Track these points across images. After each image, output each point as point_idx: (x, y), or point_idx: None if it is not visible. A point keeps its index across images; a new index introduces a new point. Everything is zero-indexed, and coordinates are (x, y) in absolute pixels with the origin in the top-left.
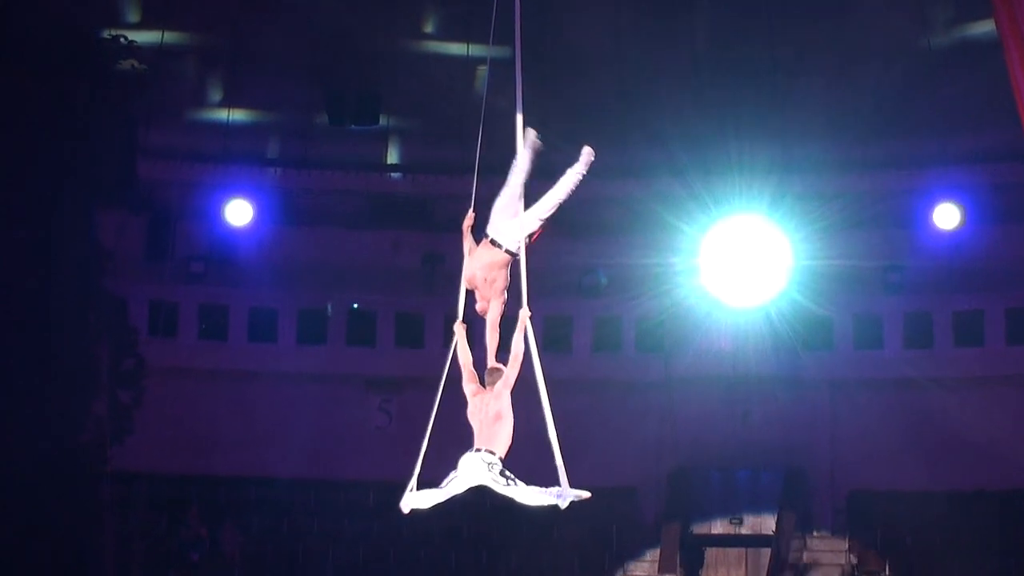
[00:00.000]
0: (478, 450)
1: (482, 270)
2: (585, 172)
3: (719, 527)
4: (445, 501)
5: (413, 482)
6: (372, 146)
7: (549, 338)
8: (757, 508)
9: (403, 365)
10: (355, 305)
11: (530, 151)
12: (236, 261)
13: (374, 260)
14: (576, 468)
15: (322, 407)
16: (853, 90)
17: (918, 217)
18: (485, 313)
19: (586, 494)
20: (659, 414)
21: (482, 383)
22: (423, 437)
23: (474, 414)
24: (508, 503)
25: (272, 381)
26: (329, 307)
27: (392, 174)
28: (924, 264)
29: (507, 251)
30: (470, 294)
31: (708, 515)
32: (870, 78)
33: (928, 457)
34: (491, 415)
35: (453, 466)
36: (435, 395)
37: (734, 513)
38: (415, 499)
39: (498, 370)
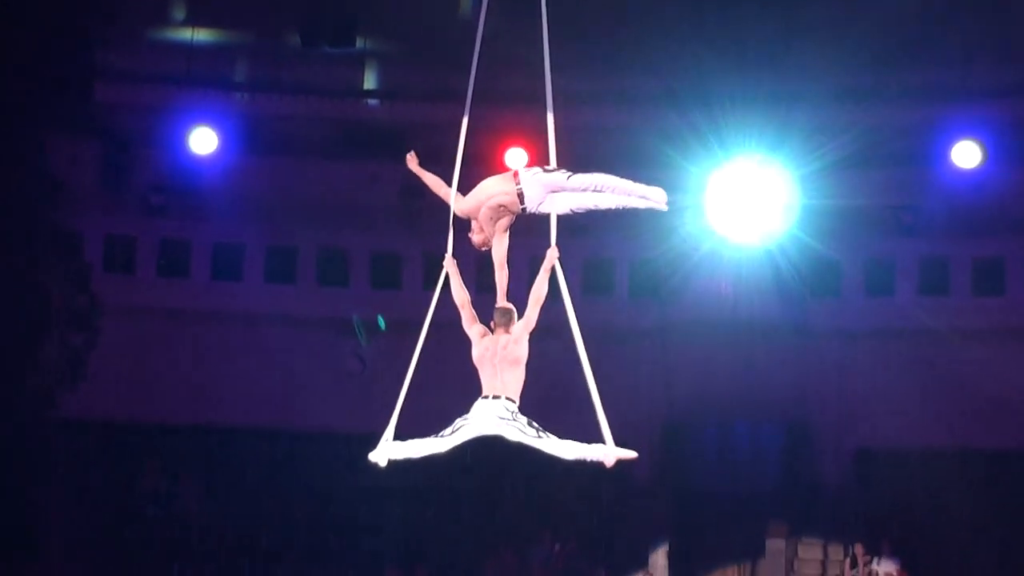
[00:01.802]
0: (496, 397)
1: (491, 209)
2: (643, 206)
3: (715, 485)
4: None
5: (390, 431)
6: (348, 70)
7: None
8: (757, 464)
9: (379, 307)
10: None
11: (638, 199)
12: (199, 192)
13: (349, 193)
14: (563, 420)
15: (291, 351)
16: (867, 17)
17: (935, 154)
18: (483, 247)
19: (632, 454)
20: (653, 363)
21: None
22: (401, 384)
23: (484, 358)
24: (490, 459)
25: (237, 322)
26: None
27: (369, 100)
28: (941, 205)
29: (524, 208)
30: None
31: (704, 471)
32: (885, 3)
33: (942, 412)
34: (509, 359)
35: (434, 414)
36: (415, 339)
37: (732, 468)
38: (400, 449)
39: (509, 310)
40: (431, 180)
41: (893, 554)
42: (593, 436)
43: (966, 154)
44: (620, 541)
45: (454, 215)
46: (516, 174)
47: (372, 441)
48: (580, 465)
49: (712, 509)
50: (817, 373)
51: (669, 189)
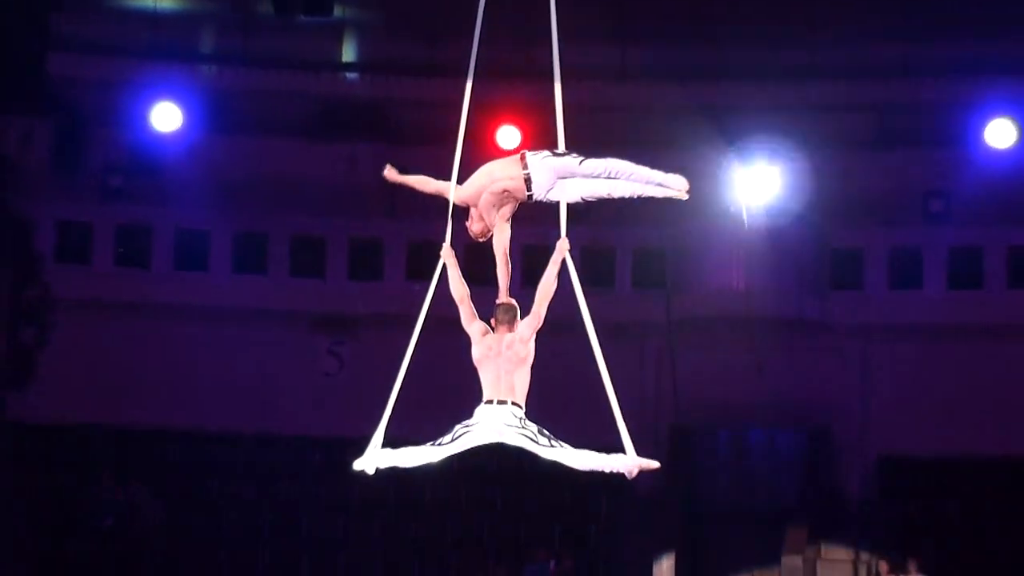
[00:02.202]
0: (502, 402)
1: (494, 195)
2: (659, 195)
3: (727, 496)
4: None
5: (378, 437)
6: (324, 41)
7: (528, 270)
8: (772, 474)
9: (358, 300)
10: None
11: (655, 187)
12: (161, 174)
13: (325, 175)
14: (558, 424)
15: (261, 349)
16: None
17: (967, 133)
18: (482, 236)
19: (655, 464)
20: (658, 361)
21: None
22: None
23: (487, 358)
24: (478, 466)
25: (202, 317)
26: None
27: (348, 74)
28: (974, 189)
29: (530, 195)
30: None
31: (715, 481)
32: None
33: (976, 417)
34: (514, 360)
35: (421, 419)
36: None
37: (745, 478)
38: (391, 457)
39: (512, 307)
40: (416, 181)
41: (922, 572)
42: (592, 442)
43: (1001, 133)
44: (621, 557)
45: (451, 203)
46: (523, 157)
47: (349, 447)
48: (578, 474)
49: (723, 523)
50: (838, 374)
51: (677, 170)
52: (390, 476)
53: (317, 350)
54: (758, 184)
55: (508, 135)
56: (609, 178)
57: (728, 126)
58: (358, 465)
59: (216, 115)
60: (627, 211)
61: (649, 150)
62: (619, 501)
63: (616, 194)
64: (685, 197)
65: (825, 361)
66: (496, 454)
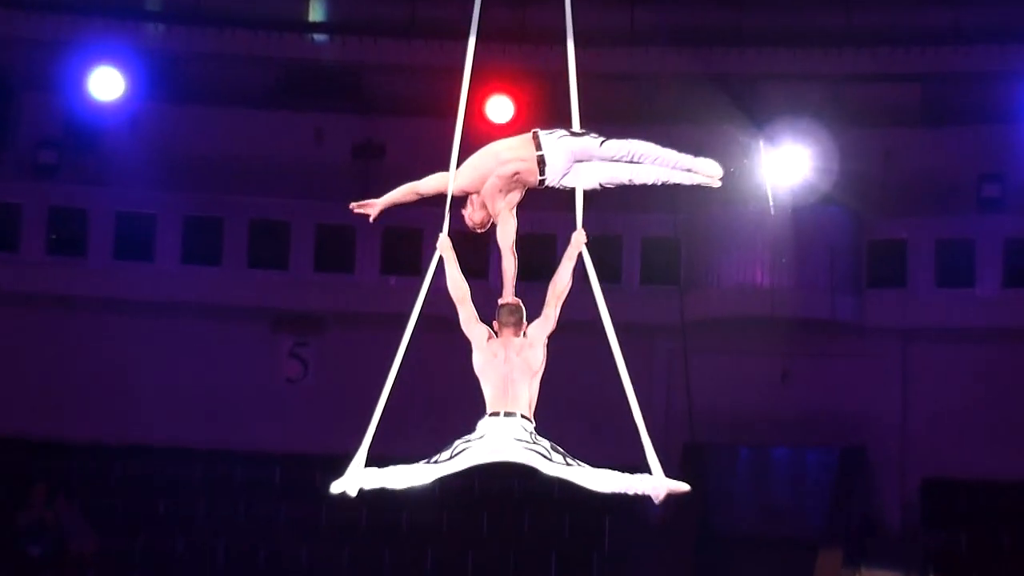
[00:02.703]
0: (510, 414)
1: (502, 179)
2: (689, 181)
3: (747, 522)
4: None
5: (363, 454)
6: None
7: (524, 263)
8: (800, 497)
9: (325, 296)
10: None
11: (683, 172)
12: (101, 149)
13: (289, 151)
14: (557, 439)
15: (214, 351)
16: None
17: None
18: (482, 227)
19: (684, 486)
20: (669, 368)
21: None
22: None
23: (491, 366)
24: (458, 487)
25: (146, 314)
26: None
27: (315, 36)
28: None
29: (543, 179)
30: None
31: (733, 505)
32: None
33: None
34: (522, 368)
35: (406, 433)
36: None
37: (768, 502)
38: (377, 477)
39: (519, 308)
40: (400, 194)
41: None
42: (597, 458)
43: None
44: None
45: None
46: (535, 136)
47: (315, 463)
48: (578, 495)
49: (742, 552)
50: (876, 384)
51: (694, 150)
52: (362, 497)
53: (278, 352)
54: (785, 165)
55: (499, 106)
56: (632, 162)
57: (751, 98)
58: (338, 487)
59: (164, 81)
60: (635, 195)
61: (660, 124)
62: (625, 526)
63: (639, 180)
64: (717, 184)
65: (860, 369)
66: (481, 472)
